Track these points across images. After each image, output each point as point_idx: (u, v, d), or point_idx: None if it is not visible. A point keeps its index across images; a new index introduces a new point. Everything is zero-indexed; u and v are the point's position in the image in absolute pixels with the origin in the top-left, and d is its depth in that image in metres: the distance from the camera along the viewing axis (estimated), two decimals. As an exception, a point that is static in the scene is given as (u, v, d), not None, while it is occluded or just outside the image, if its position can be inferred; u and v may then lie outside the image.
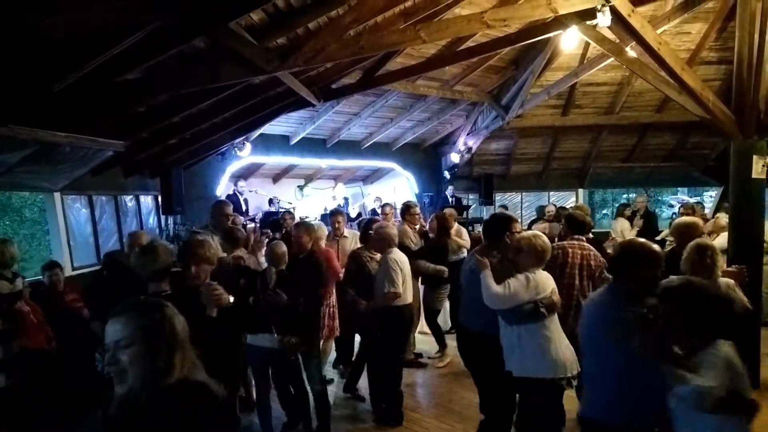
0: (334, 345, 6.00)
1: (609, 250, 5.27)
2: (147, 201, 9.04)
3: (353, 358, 5.80)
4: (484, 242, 4.18)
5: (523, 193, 14.00)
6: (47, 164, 6.04)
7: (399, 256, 4.87)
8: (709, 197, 17.51)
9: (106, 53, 4.02)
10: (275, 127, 10.11)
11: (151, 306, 1.75)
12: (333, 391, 5.53)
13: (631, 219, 9.48)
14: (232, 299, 3.06)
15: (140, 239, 4.67)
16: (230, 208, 5.66)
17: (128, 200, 8.59)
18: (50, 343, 4.69)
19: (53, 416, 4.15)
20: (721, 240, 7.01)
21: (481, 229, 4.93)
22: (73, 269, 7.17)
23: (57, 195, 7.02)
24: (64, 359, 4.62)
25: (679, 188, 20.89)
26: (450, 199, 12.17)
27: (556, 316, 3.67)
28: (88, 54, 4.02)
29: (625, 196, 22.17)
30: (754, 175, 5.65)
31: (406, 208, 6.75)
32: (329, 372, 6.00)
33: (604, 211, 19.02)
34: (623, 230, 9.23)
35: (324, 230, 5.89)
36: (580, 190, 13.62)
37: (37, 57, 3.97)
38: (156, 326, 1.68)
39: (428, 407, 5.32)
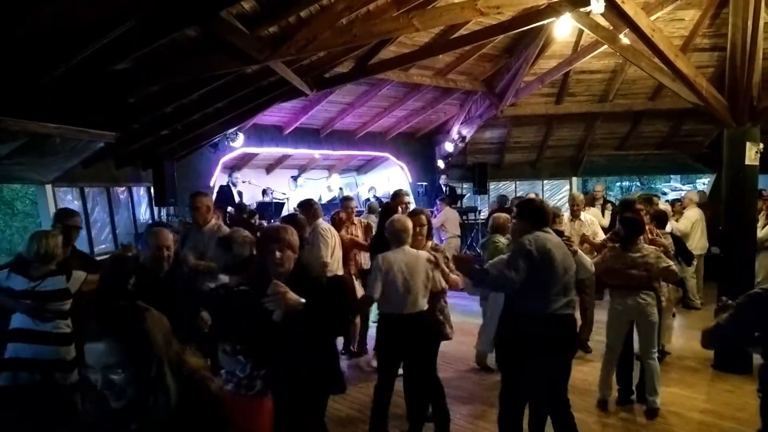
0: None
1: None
2: (140, 192, 8.99)
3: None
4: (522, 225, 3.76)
5: (517, 182, 14.00)
6: (38, 156, 5.99)
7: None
8: (703, 184, 17.61)
9: (95, 44, 3.97)
10: (268, 117, 10.05)
11: (130, 322, 1.57)
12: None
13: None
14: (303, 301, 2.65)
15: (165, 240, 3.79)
16: (205, 199, 4.94)
17: (120, 192, 8.54)
18: None
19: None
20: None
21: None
22: (66, 262, 7.11)
23: (48, 187, 6.96)
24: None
25: (672, 176, 20.99)
26: (444, 189, 12.17)
27: None
28: (77, 45, 3.97)
29: (618, 183, 22.37)
30: (747, 162, 5.68)
31: (394, 195, 6.43)
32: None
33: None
34: (597, 215, 8.88)
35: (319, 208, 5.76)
36: (574, 179, 13.63)
37: (26, 48, 3.91)
38: (142, 344, 1.53)
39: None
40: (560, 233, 5.08)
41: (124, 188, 8.58)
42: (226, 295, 2.90)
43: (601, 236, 6.33)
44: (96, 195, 7.97)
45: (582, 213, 6.67)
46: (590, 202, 8.94)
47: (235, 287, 2.86)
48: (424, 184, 12.63)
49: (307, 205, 5.80)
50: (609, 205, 9.30)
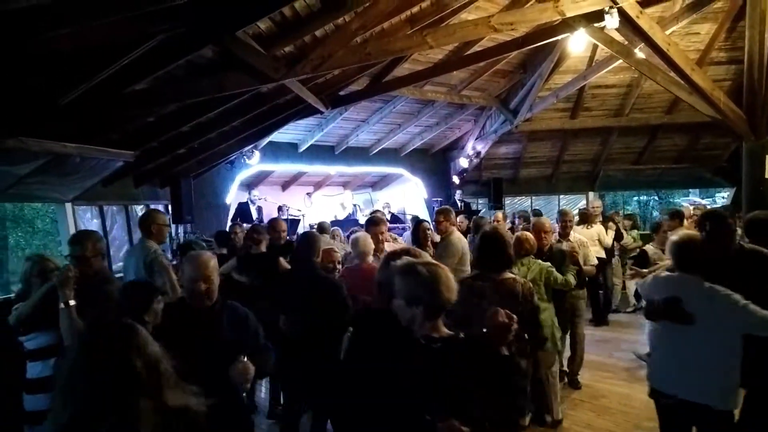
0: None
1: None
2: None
3: None
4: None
5: (533, 197, 13.93)
6: (58, 175, 6.08)
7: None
8: (722, 198, 17.36)
9: (114, 65, 4.05)
10: (283, 134, 10.13)
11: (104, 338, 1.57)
12: None
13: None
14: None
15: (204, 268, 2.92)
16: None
17: (139, 210, 8.60)
18: None
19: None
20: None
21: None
22: (85, 279, 7.18)
23: (68, 205, 7.05)
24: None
25: (690, 190, 20.72)
26: (459, 204, 12.12)
27: None
28: (96, 66, 4.05)
29: (636, 198, 22.13)
30: (767, 176, 5.60)
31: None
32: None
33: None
34: (600, 234, 8.01)
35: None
36: (591, 193, 13.53)
37: (46, 69, 4.00)
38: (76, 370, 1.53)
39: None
40: None
41: (142, 206, 8.65)
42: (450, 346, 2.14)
43: (594, 260, 5.69)
44: (115, 213, 8.05)
45: (572, 233, 5.85)
46: (585, 218, 7.87)
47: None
48: (439, 200, 12.59)
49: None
50: (611, 223, 8.43)
